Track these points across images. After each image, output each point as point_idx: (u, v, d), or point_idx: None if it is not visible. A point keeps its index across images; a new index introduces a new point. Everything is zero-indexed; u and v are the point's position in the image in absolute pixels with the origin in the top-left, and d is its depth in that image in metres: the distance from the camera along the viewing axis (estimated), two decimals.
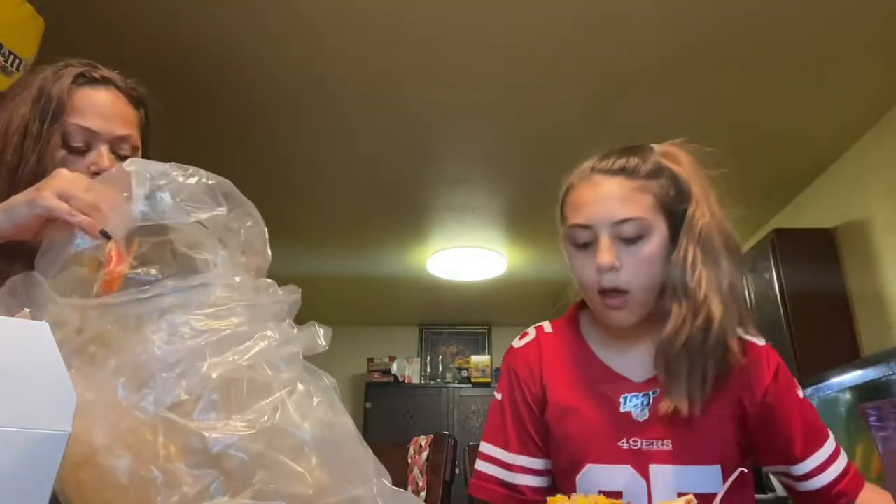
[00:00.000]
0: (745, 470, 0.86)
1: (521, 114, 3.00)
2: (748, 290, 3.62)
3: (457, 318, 6.35)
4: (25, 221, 0.76)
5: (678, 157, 0.99)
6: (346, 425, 0.55)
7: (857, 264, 3.21)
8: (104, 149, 0.98)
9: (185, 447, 0.47)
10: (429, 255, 4.68)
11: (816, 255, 3.32)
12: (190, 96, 2.82)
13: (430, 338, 6.55)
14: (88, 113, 0.98)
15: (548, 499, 0.71)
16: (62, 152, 0.96)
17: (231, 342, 0.54)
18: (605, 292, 0.93)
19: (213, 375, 0.50)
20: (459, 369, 6.18)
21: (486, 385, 5.96)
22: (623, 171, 0.94)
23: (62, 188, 0.75)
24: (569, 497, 0.70)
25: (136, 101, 1.07)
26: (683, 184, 0.96)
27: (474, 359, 6.08)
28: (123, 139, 1.00)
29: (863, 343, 3.14)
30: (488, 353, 6.27)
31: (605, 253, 0.91)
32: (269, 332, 0.56)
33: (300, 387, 0.54)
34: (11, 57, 1.81)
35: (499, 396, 1.08)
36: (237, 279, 0.61)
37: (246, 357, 0.53)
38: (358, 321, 6.26)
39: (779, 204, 3.82)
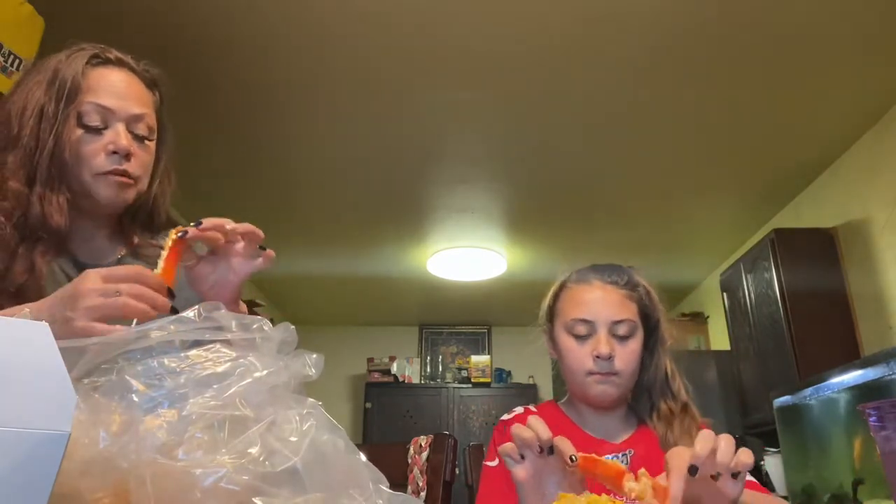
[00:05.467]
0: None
1: (521, 114, 3.00)
2: (748, 290, 3.62)
3: (457, 318, 6.36)
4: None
5: (645, 278, 1.21)
6: (334, 441, 0.55)
7: (857, 264, 3.21)
8: (121, 127, 0.96)
9: (176, 488, 0.46)
10: (429, 255, 4.68)
11: (816, 255, 3.32)
12: (190, 96, 2.82)
13: (430, 338, 6.55)
14: (103, 92, 0.97)
15: (560, 493, 0.72)
16: (78, 132, 0.95)
17: (212, 380, 0.53)
18: (595, 374, 1.10)
19: (195, 416, 0.50)
20: (459, 369, 6.19)
21: (486, 385, 5.96)
22: (615, 283, 1.16)
23: (93, 308, 0.74)
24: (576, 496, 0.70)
25: (150, 83, 1.05)
26: (653, 298, 1.18)
27: (474, 359, 6.08)
28: (139, 118, 0.99)
29: (863, 343, 3.14)
30: (488, 353, 6.27)
31: (605, 345, 1.09)
32: (252, 367, 0.55)
33: (283, 416, 0.53)
34: (11, 57, 1.81)
35: (492, 464, 1.12)
36: (220, 312, 0.60)
37: (227, 394, 0.52)
38: (358, 321, 6.26)
39: (779, 204, 3.82)
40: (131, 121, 0.98)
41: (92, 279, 0.76)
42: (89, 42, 1.02)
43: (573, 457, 0.74)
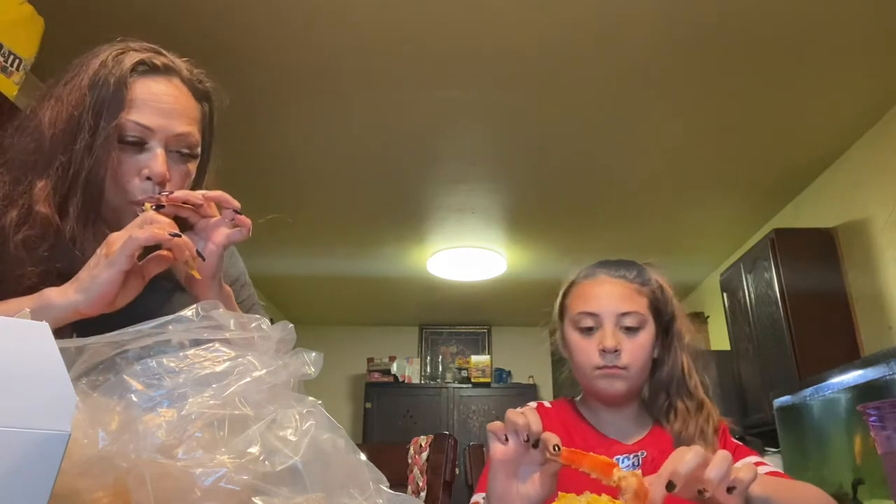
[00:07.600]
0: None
1: (521, 114, 3.00)
2: (748, 290, 3.62)
3: (457, 318, 6.36)
4: (113, 283, 0.74)
5: (660, 274, 1.21)
6: (334, 440, 0.55)
7: (857, 264, 3.21)
8: (159, 151, 0.87)
9: (175, 487, 0.46)
10: (429, 255, 4.68)
11: (816, 255, 3.32)
12: None
13: (430, 338, 6.56)
14: (146, 108, 0.87)
15: (559, 493, 0.72)
16: (116, 149, 0.85)
17: (211, 379, 0.53)
18: (602, 368, 1.09)
19: (194, 415, 0.50)
20: (459, 369, 6.19)
21: (486, 385, 5.96)
22: (624, 277, 1.15)
23: (136, 225, 0.75)
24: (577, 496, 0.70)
25: (201, 95, 0.97)
26: (666, 293, 1.17)
27: (474, 359, 6.09)
28: (181, 137, 0.89)
29: (863, 343, 3.14)
30: (488, 353, 6.27)
31: (611, 338, 1.08)
32: (251, 366, 0.55)
33: (283, 414, 0.53)
34: (11, 57, 1.81)
35: None
36: (218, 311, 0.60)
37: (226, 393, 0.52)
38: (358, 321, 6.26)
39: (779, 204, 3.82)
40: (172, 140, 0.89)
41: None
42: (87, 47, 0.91)
43: (557, 446, 0.75)
